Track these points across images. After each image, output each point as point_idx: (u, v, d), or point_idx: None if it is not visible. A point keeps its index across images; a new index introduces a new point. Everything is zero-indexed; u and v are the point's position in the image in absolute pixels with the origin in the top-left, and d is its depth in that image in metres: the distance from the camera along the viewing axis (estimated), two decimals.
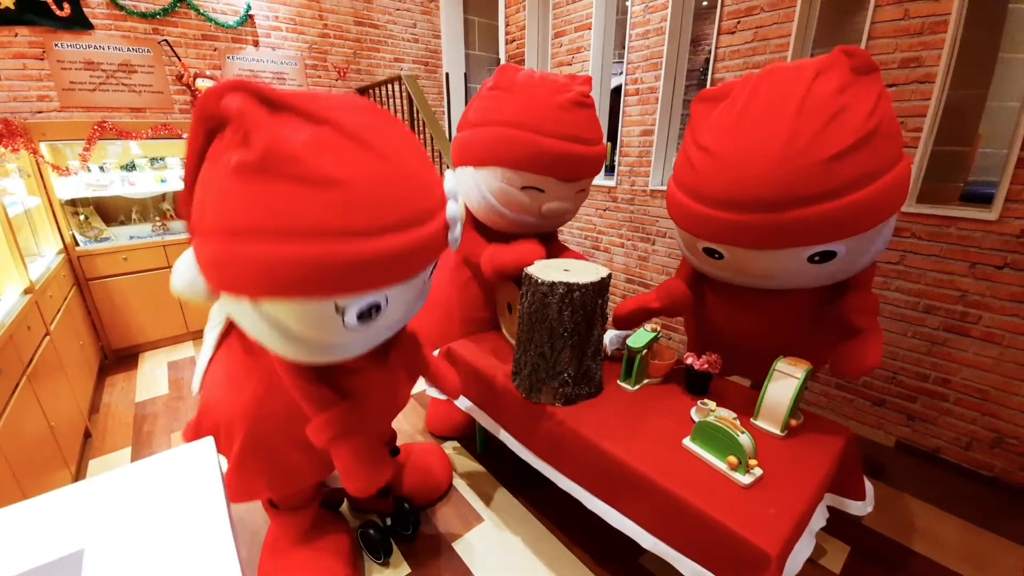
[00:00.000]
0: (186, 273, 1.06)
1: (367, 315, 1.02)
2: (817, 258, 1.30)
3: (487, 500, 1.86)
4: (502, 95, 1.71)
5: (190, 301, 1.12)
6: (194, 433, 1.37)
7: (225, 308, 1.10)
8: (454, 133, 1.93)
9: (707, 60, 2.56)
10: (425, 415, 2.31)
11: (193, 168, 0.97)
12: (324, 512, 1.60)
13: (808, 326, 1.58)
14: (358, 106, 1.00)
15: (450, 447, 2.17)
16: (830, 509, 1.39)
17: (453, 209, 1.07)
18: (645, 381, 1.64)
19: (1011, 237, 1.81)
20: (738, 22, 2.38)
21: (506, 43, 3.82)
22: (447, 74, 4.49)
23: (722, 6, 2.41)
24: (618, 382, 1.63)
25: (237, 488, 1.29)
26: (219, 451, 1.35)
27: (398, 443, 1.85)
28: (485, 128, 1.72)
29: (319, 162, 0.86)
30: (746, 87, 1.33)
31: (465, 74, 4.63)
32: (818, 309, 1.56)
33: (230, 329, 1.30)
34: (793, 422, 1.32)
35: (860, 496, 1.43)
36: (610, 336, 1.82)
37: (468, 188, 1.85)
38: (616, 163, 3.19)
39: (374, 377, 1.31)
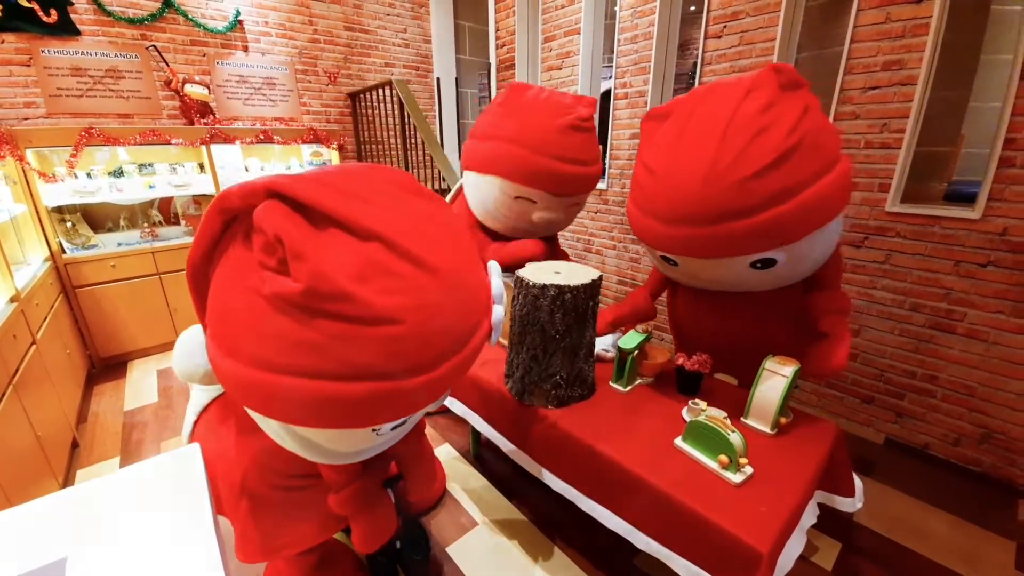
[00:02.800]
0: (196, 359, 0.97)
1: (401, 423, 1.02)
2: (759, 265, 1.37)
3: (481, 504, 1.85)
4: (508, 112, 1.90)
5: (194, 384, 1.04)
6: None
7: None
8: (446, 137, 2.00)
9: (695, 64, 2.59)
10: None
11: (203, 254, 0.89)
12: (330, 543, 1.52)
13: (785, 325, 1.61)
14: (403, 200, 0.92)
15: (444, 452, 2.16)
16: (821, 506, 1.40)
17: (498, 313, 1.02)
18: (638, 381, 1.64)
19: (994, 235, 1.84)
20: (724, 26, 2.41)
21: (496, 48, 3.84)
22: (438, 79, 4.51)
23: (708, 10, 2.45)
24: (610, 383, 1.64)
25: (248, 551, 1.16)
26: (218, 511, 1.20)
27: None
28: (489, 141, 1.91)
29: (371, 297, 0.76)
30: (687, 106, 1.42)
31: (456, 79, 4.65)
32: (793, 308, 1.59)
33: None
34: (783, 420, 1.33)
35: (850, 492, 1.43)
36: (603, 339, 1.82)
37: (470, 191, 2.06)
38: (607, 166, 3.21)
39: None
